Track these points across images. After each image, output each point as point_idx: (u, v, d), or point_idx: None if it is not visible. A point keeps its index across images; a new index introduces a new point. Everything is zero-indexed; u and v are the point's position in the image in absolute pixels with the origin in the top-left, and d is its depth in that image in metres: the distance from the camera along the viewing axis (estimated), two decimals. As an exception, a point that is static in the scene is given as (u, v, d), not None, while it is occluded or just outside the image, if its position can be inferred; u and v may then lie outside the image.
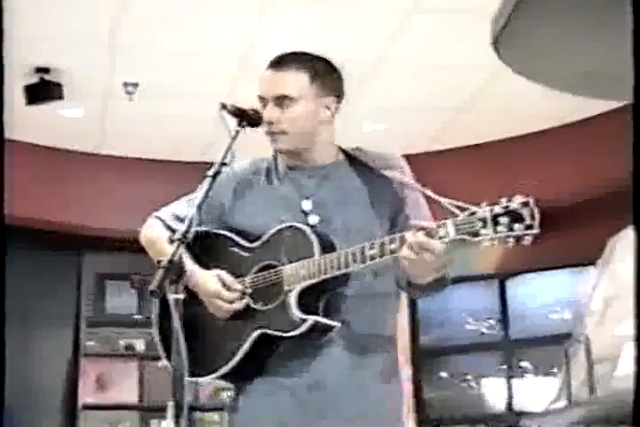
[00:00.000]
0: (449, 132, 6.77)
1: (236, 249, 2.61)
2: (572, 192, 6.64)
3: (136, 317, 7.30)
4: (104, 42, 5.38)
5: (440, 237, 2.19)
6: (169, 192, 7.27)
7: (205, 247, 2.63)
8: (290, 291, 2.45)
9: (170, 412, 2.27)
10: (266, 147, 2.70)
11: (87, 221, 6.99)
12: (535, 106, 6.27)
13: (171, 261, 2.34)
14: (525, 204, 2.12)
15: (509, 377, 7.13)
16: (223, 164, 2.56)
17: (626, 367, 1.03)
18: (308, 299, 2.44)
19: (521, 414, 6.64)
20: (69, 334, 7.26)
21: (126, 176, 7.13)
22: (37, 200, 6.82)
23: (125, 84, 5.90)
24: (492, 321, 7.32)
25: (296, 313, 2.41)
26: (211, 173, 2.55)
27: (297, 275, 2.45)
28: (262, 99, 2.59)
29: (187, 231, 2.36)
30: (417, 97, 6.20)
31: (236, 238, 2.61)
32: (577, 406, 1.06)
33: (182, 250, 2.33)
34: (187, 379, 2.26)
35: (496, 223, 2.11)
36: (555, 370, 6.75)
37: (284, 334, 2.43)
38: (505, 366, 7.18)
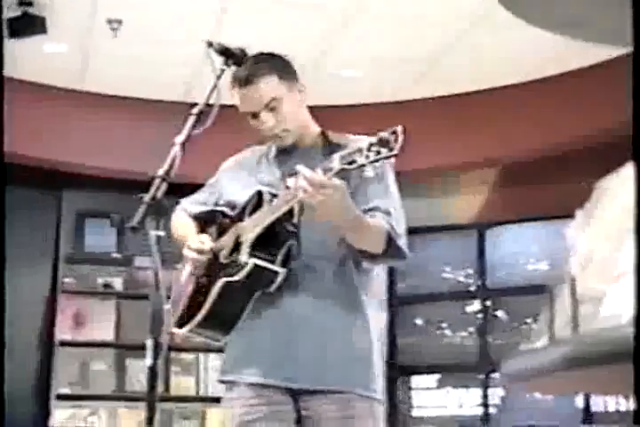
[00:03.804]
0: (423, 82, 6.72)
1: (225, 220, 2.86)
2: (546, 147, 6.63)
3: (115, 255, 7.30)
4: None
5: (325, 170, 2.40)
6: (151, 131, 7.27)
7: (208, 222, 2.93)
8: (244, 241, 2.67)
9: (148, 350, 2.28)
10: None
11: (68, 157, 6.94)
12: (513, 58, 6.23)
13: (153, 198, 2.35)
14: (394, 132, 2.31)
15: (484, 326, 7.18)
16: (208, 104, 2.57)
17: (610, 309, 1.04)
18: (264, 250, 2.65)
19: (494, 362, 6.71)
20: (48, 271, 7.25)
21: (109, 114, 7.06)
22: (18, 135, 6.76)
23: (109, 21, 5.83)
24: (469, 270, 7.36)
25: (242, 258, 2.63)
26: (195, 111, 2.56)
27: (249, 226, 2.70)
28: (252, 113, 2.75)
29: (169, 169, 2.45)
30: (392, 47, 6.15)
31: (226, 211, 2.87)
32: (559, 345, 1.07)
33: (164, 187, 2.38)
34: (166, 318, 2.29)
35: (369, 150, 2.32)
36: (529, 320, 6.82)
37: (231, 279, 2.63)
38: (480, 315, 7.23)
